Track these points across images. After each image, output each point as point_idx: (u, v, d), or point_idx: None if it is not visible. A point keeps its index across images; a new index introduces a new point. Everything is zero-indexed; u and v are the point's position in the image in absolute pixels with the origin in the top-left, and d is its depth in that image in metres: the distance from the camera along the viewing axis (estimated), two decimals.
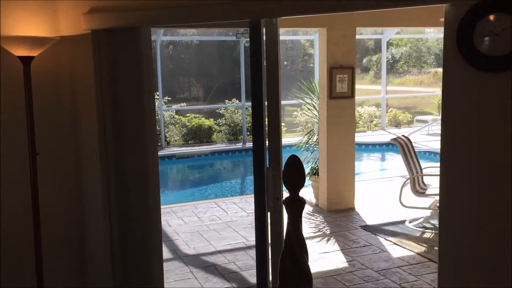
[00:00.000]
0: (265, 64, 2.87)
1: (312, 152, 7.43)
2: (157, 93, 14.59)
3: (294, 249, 2.04)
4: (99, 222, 3.26)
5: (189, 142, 14.82)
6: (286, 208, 2.11)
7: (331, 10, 2.75)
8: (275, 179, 2.92)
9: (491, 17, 2.27)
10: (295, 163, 2.08)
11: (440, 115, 2.47)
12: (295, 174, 2.08)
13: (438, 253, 2.60)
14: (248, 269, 4.90)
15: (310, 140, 7.53)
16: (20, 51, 2.97)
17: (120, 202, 3.23)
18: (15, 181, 3.21)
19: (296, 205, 2.08)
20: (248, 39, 3.01)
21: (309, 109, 7.63)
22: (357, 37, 6.47)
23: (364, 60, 20.65)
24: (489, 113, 2.35)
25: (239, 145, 14.17)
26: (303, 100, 7.69)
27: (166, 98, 15.59)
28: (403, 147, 6.15)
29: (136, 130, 3.10)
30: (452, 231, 2.54)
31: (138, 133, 3.09)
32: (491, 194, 2.40)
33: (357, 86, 6.98)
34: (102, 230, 3.25)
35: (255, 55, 2.89)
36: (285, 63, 21.51)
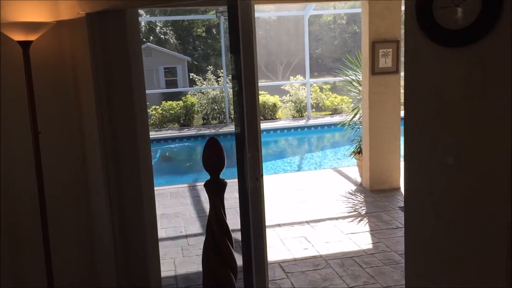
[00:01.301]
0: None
1: (356, 130, 7.22)
2: (221, 70, 14.79)
3: (214, 233, 2.01)
4: (101, 202, 3.40)
5: None
6: (206, 191, 2.08)
7: None
8: (254, 160, 2.88)
9: None
10: (213, 146, 2.04)
11: (403, 96, 2.28)
12: (213, 157, 2.05)
13: (405, 248, 2.46)
14: (270, 247, 4.92)
15: (355, 118, 7.31)
16: (17, 36, 3.13)
17: (117, 179, 3.35)
18: (19, 160, 3.43)
19: (215, 188, 2.05)
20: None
21: (354, 85, 7.39)
22: None
23: None
24: (453, 92, 2.15)
25: (302, 122, 14.06)
26: (348, 76, 7.45)
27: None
28: None
29: (126, 106, 3.19)
30: (418, 222, 2.40)
31: (127, 110, 3.19)
32: (457, 178, 2.21)
33: None
34: (105, 213, 3.38)
35: (233, 36, 2.83)
36: None
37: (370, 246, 4.81)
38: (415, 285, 2.48)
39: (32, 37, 3.18)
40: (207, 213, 6.06)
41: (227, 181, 7.93)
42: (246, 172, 2.94)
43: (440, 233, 2.33)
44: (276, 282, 4.13)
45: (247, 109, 2.88)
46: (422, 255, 2.42)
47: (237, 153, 3.02)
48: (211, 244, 2.04)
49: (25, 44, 3.19)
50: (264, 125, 13.84)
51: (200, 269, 4.51)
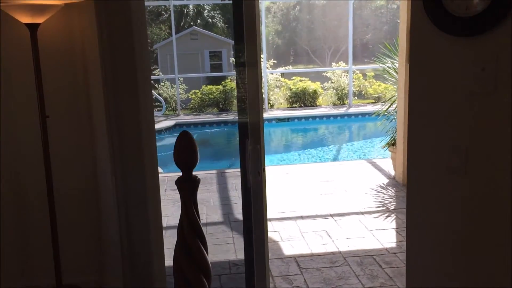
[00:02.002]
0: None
1: (391, 121, 6.92)
2: (262, 56, 14.60)
3: (185, 234, 1.88)
4: (108, 194, 3.33)
5: (294, 105, 14.70)
6: (177, 189, 1.95)
7: None
8: (255, 153, 2.73)
9: None
10: (185, 140, 1.90)
11: (408, 91, 2.06)
12: (185, 153, 1.90)
13: (406, 252, 2.27)
14: (289, 240, 4.77)
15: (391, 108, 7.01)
16: (24, 18, 3.08)
17: (123, 170, 3.27)
18: (27, 146, 3.41)
19: (187, 186, 1.90)
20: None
21: (390, 73, 7.06)
22: None
23: None
24: (463, 87, 1.91)
25: (342, 110, 13.73)
26: (384, 64, 7.13)
27: (272, 61, 15.55)
28: None
29: (130, 93, 3.11)
30: (421, 222, 2.19)
31: (132, 94, 3.10)
32: (463, 179, 2.00)
33: None
34: (113, 205, 3.31)
35: (237, 24, 2.67)
36: None
37: (394, 244, 4.58)
38: (416, 285, 2.29)
39: (39, 20, 3.13)
40: (232, 202, 6.01)
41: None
42: (247, 165, 2.80)
43: (444, 234, 2.13)
44: (289, 278, 3.98)
45: (250, 98, 2.73)
46: (425, 256, 2.22)
47: (240, 144, 2.88)
48: (182, 246, 1.92)
49: (33, 27, 3.15)
50: (302, 112, 13.59)
51: (213, 258, 4.45)
